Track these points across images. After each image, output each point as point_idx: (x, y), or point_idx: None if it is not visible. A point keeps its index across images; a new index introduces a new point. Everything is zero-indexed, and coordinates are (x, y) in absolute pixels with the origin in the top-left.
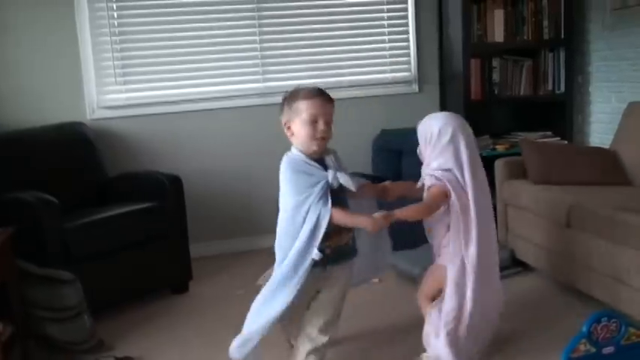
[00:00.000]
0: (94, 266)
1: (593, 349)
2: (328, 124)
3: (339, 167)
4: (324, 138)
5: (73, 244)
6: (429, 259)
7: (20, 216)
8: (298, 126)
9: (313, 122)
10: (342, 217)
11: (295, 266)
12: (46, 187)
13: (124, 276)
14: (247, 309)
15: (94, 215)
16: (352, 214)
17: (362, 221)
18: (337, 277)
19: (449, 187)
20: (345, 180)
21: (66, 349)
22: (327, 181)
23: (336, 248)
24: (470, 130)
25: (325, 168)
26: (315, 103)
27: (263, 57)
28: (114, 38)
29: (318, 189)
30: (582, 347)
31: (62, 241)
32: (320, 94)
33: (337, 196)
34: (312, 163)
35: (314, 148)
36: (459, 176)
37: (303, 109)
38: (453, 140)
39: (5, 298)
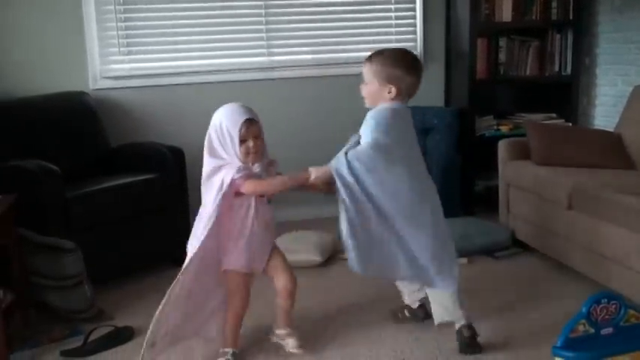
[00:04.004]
0: (96, 236)
1: (592, 330)
2: None
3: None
4: None
5: (75, 213)
6: None
7: (22, 184)
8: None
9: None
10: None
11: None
12: (48, 156)
13: (125, 246)
14: None
15: (95, 185)
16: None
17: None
18: None
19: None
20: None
21: (66, 318)
22: None
23: None
24: None
25: None
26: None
27: (268, 31)
28: (118, 7)
29: None
30: (581, 328)
31: (64, 210)
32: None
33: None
34: None
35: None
36: None
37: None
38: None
39: (6, 266)
